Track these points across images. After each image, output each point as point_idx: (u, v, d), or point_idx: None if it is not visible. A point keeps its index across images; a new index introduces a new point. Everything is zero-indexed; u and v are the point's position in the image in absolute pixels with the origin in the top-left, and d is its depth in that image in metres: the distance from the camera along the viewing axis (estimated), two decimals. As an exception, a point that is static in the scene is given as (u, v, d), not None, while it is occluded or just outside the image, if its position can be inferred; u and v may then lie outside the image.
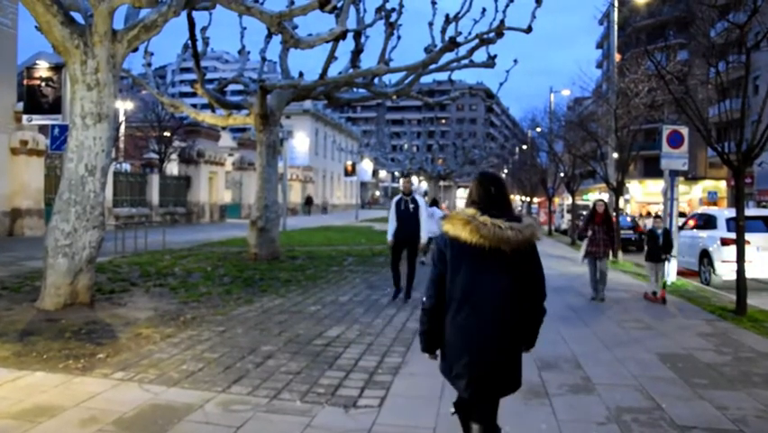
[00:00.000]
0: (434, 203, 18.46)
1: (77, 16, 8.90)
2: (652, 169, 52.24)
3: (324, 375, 5.71)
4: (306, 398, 5.06)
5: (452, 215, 3.37)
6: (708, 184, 50.66)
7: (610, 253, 11.03)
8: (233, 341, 6.89)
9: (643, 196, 58.35)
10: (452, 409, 3.51)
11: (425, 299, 3.40)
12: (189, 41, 13.36)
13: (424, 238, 9.91)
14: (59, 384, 5.13)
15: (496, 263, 3.23)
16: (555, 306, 10.17)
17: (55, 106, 12.51)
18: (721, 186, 48.56)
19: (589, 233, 10.98)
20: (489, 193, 3.37)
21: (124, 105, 39.51)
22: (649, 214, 44.31)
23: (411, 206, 9.78)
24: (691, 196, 49.40)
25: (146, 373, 5.54)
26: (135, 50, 9.60)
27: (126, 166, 35.80)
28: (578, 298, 11.25)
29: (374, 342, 7.15)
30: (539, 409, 5.00)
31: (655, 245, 11.18)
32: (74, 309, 8.08)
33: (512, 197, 23.50)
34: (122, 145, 38.63)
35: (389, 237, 10.07)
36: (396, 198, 10.02)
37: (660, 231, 11.30)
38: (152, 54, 17.32)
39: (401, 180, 10.33)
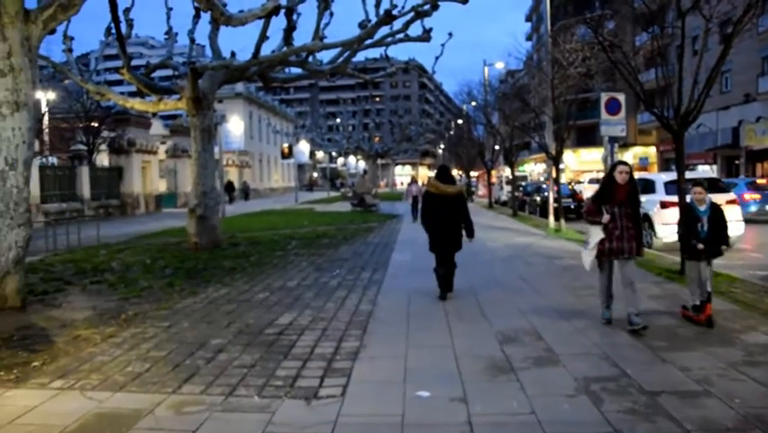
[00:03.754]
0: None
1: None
2: (585, 138, 53.59)
3: (280, 366, 5.43)
4: (263, 392, 4.78)
5: (429, 182, 8.87)
6: (638, 150, 52.23)
7: (636, 248, 6.73)
8: (180, 336, 6.51)
9: (577, 165, 59.80)
10: (433, 267, 8.53)
11: (421, 218, 8.73)
12: (112, 24, 12.61)
13: None
14: (-11, 399, 4.68)
15: (447, 202, 8.31)
16: (506, 277, 10.16)
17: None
18: (651, 152, 50.15)
19: (605, 217, 6.63)
20: (444, 174, 8.64)
21: (47, 96, 37.65)
22: (579, 182, 45.25)
23: None
24: (623, 162, 50.73)
25: (88, 378, 5.14)
26: (53, 32, 8.95)
27: (53, 159, 34.16)
28: (526, 267, 11.26)
29: (328, 327, 6.90)
30: (507, 385, 4.87)
31: (695, 232, 6.79)
32: (3, 315, 7.50)
33: (453, 171, 25.54)
34: (46, 138, 36.85)
35: None
36: None
37: (704, 209, 6.85)
38: (72, 39, 16.37)
39: None
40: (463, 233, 8.47)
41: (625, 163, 6.90)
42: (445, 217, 8.29)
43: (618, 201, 6.66)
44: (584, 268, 7.22)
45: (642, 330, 6.28)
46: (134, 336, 6.57)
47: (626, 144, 49.90)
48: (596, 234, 6.75)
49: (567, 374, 5.08)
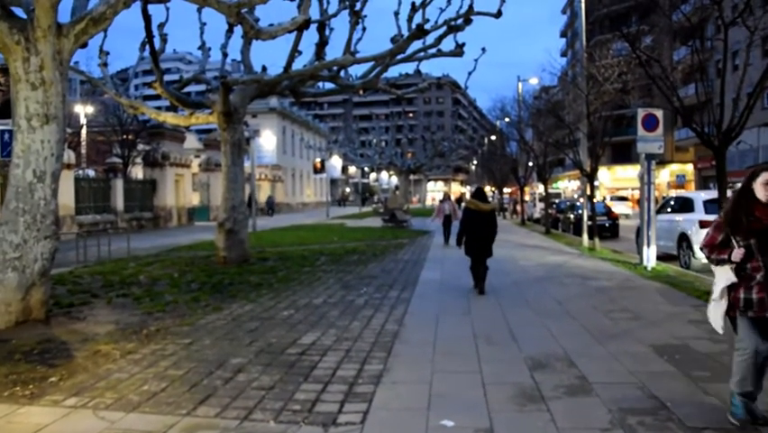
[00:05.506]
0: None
1: (19, 11, 8.23)
2: (620, 155, 52.77)
3: (299, 389, 5.23)
4: (280, 417, 4.58)
5: (468, 200, 11.14)
6: (674, 168, 51.26)
7: None
8: (199, 354, 6.36)
9: (612, 182, 58.89)
10: (470, 266, 10.71)
11: (460, 229, 10.76)
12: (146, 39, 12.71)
13: None
14: (0, 417, 4.57)
15: (482, 218, 10.50)
16: (538, 297, 9.83)
17: (4, 110, 11.75)
18: (688, 169, 49.16)
19: (737, 253, 4.24)
20: (479, 194, 11.13)
21: (85, 109, 38.38)
22: (603, 198, 44.43)
23: None
24: (659, 180, 49.81)
25: (102, 397, 5.00)
26: (84, 45, 8.96)
27: (90, 172, 34.71)
28: (559, 287, 10.91)
29: (352, 348, 6.68)
30: (536, 415, 4.59)
31: None
32: (27, 327, 7.45)
33: (485, 188, 25.53)
34: (83, 151, 37.49)
35: None
36: None
37: None
38: (108, 53, 16.59)
39: None
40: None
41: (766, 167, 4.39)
42: (481, 229, 10.45)
43: (759, 228, 4.20)
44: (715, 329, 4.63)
45: None
46: (154, 352, 6.45)
47: (662, 162, 49.02)
48: (723, 277, 4.41)
49: (601, 405, 4.78)
